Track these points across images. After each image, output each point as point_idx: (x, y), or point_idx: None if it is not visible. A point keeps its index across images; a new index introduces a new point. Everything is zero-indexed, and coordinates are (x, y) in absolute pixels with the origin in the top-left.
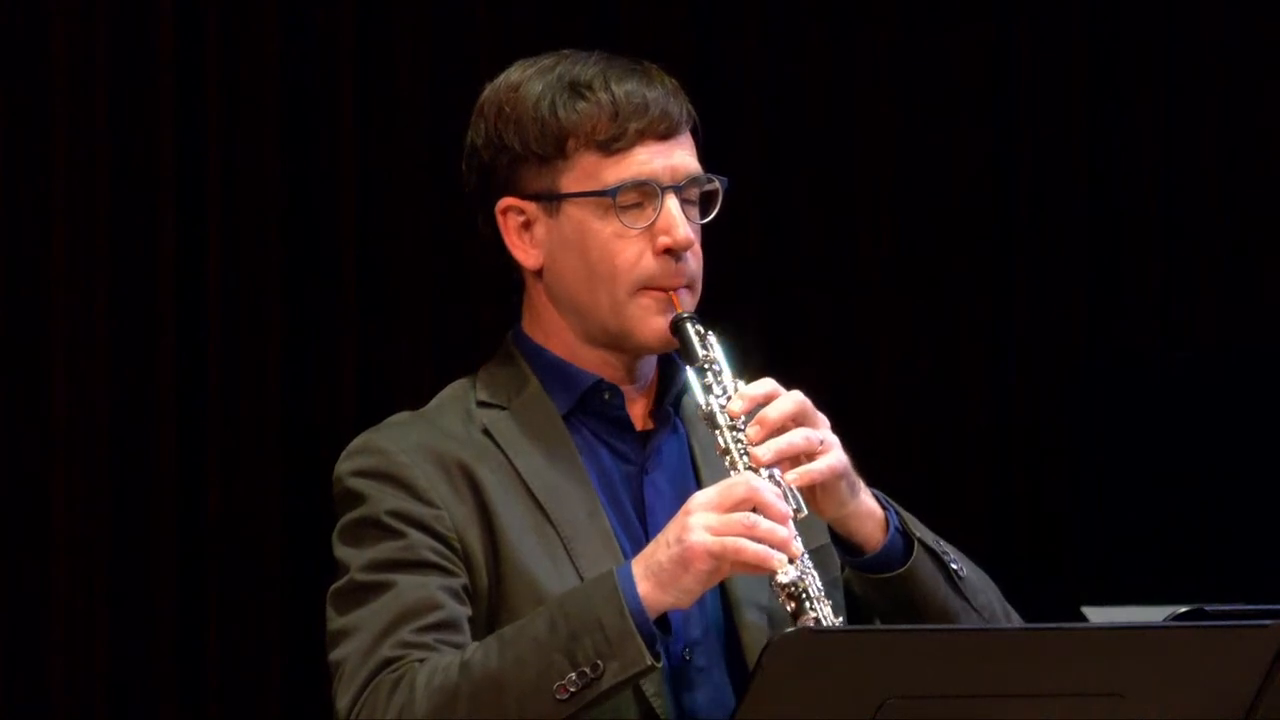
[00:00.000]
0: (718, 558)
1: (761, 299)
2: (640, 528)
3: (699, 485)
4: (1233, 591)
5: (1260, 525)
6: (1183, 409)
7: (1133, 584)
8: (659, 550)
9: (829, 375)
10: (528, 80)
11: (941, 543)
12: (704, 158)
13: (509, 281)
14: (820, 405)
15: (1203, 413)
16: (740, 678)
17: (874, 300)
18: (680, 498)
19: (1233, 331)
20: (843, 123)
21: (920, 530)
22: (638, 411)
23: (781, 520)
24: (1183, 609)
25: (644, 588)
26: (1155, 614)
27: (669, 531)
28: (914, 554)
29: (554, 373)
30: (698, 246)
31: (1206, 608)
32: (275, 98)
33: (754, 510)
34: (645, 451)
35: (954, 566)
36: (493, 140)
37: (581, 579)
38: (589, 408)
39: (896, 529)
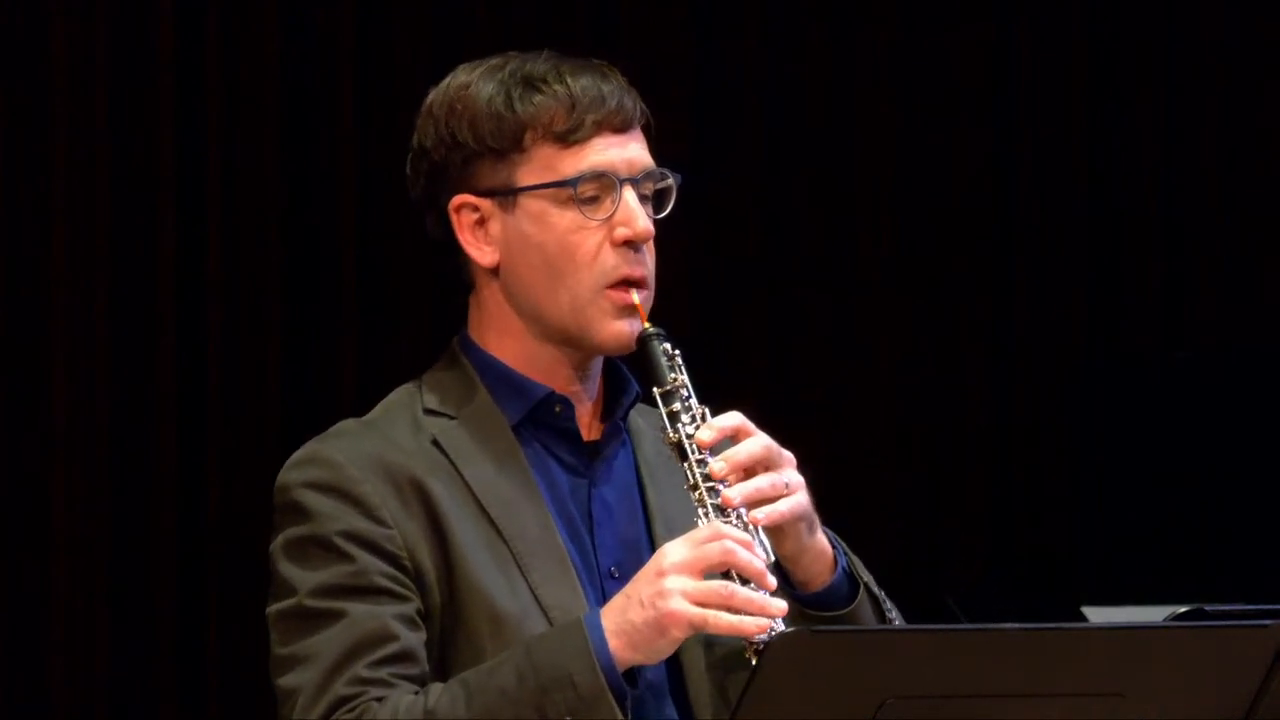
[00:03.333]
0: (697, 627)
1: (761, 299)
2: (589, 541)
3: (644, 501)
4: (1233, 591)
5: (1260, 525)
6: (1183, 409)
7: (1133, 584)
8: (631, 608)
9: (829, 375)
10: (478, 79)
11: (880, 590)
12: (656, 155)
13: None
14: (820, 405)
15: (1203, 413)
16: (681, 702)
17: (874, 300)
18: (627, 513)
19: (1233, 331)
20: (843, 123)
21: (865, 575)
22: (585, 421)
23: (759, 579)
24: (1183, 609)
25: (615, 644)
26: (1155, 614)
27: (642, 589)
28: (859, 597)
29: (504, 383)
30: (653, 237)
31: (1206, 608)
32: (275, 98)
33: (729, 570)
34: (594, 464)
35: (890, 615)
36: (444, 139)
37: (535, 595)
38: (539, 419)
39: (844, 570)
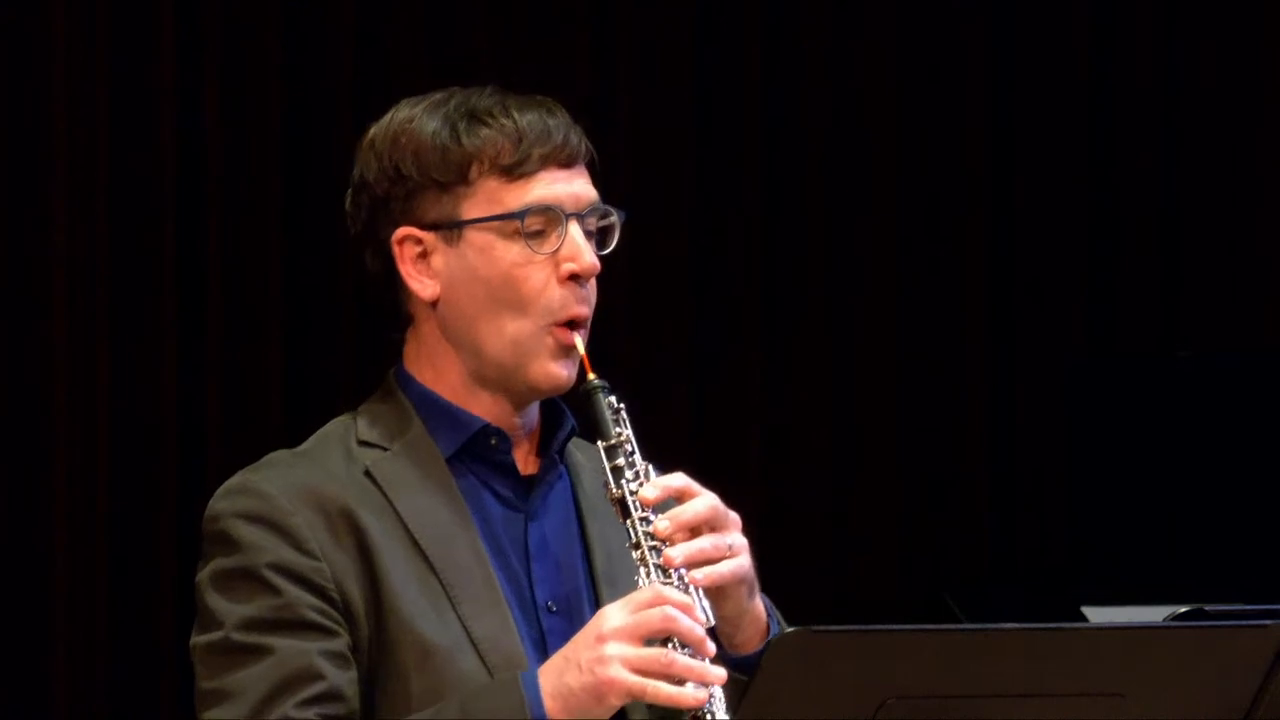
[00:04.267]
0: (636, 696)
1: (761, 298)
2: (525, 575)
3: (584, 535)
4: (1233, 591)
5: (1260, 525)
6: (1183, 409)
7: (1133, 584)
8: (569, 671)
9: (828, 375)
10: (421, 113)
11: None
12: (602, 191)
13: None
14: (820, 406)
15: (1203, 413)
16: None
17: (874, 300)
18: (565, 546)
19: (1233, 331)
20: (841, 122)
21: None
22: (521, 455)
23: (699, 646)
24: (1183, 609)
25: (551, 706)
26: (1155, 614)
27: (581, 653)
28: None
29: (440, 415)
30: (598, 272)
31: (1206, 608)
32: (276, 97)
33: (669, 636)
34: (530, 497)
35: None
36: (387, 171)
37: (465, 628)
38: (474, 452)
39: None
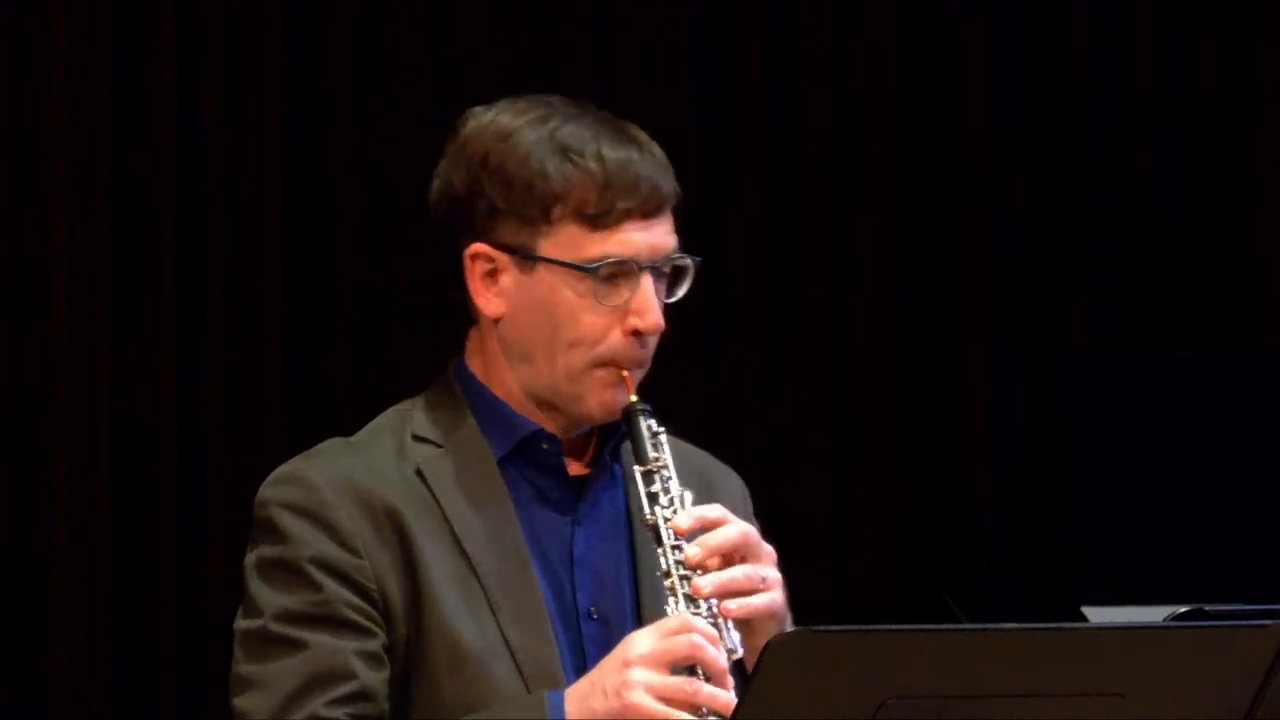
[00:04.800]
0: None
1: (761, 298)
2: (568, 581)
3: (632, 544)
4: (1233, 591)
5: (1260, 525)
6: (1183, 409)
7: (1133, 584)
8: (594, 696)
9: (829, 375)
10: (517, 131)
11: None
12: (681, 232)
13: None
14: (820, 406)
15: (1203, 413)
16: None
17: (874, 300)
18: (611, 553)
19: (1233, 331)
20: (841, 122)
21: None
22: (575, 459)
23: (721, 677)
24: (1183, 609)
25: None
26: (1155, 614)
27: (606, 678)
28: None
29: (494, 415)
30: (663, 328)
31: (1206, 608)
32: (276, 97)
33: (694, 664)
34: (580, 502)
35: None
36: (474, 186)
37: (503, 634)
38: (525, 455)
39: None
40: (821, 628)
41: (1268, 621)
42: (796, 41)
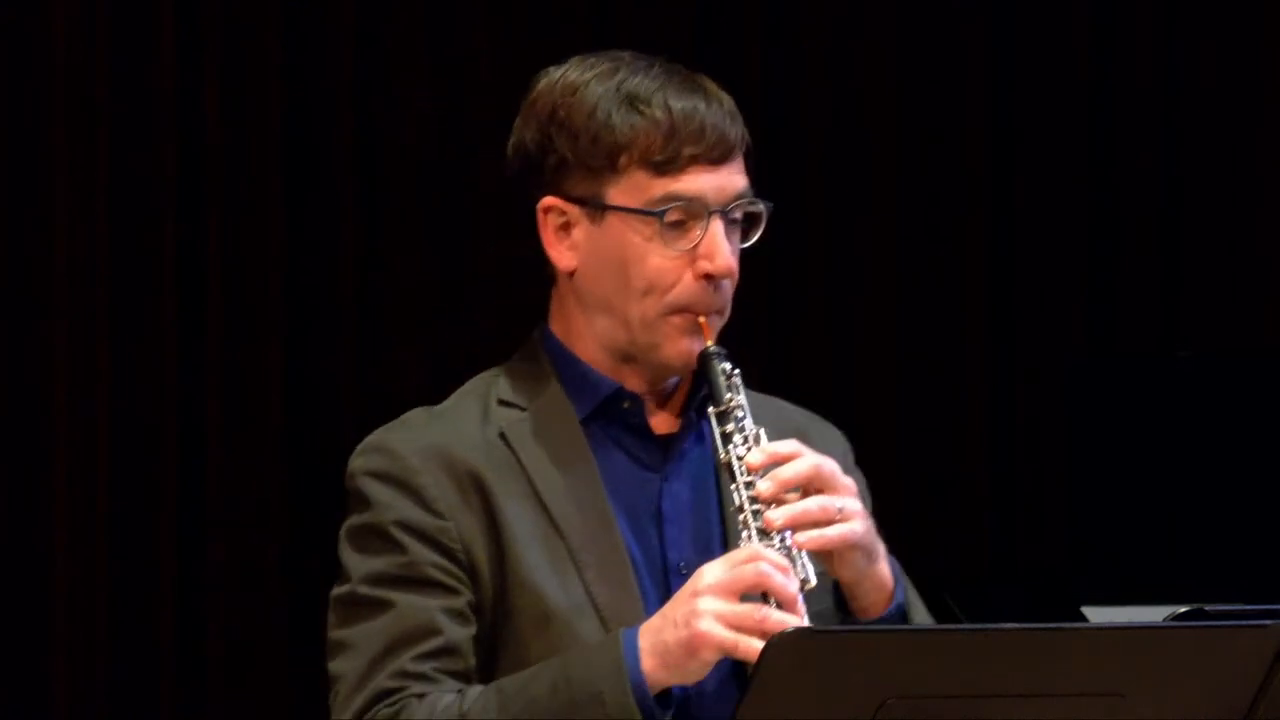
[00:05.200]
0: (727, 651)
1: (760, 298)
2: (656, 538)
3: (720, 499)
4: (1233, 591)
5: (1260, 525)
6: (1183, 409)
7: (1133, 584)
8: (666, 629)
9: (828, 375)
10: (584, 85)
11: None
12: (754, 180)
13: (522, 279)
14: (818, 405)
15: (1203, 413)
16: None
17: (874, 300)
18: (699, 508)
19: (1233, 331)
20: (841, 122)
21: (920, 613)
22: (662, 415)
23: (790, 604)
24: (1183, 609)
25: (648, 664)
26: (1155, 614)
27: (677, 610)
28: None
29: (576, 376)
30: (737, 271)
31: (1206, 608)
32: (276, 97)
33: (764, 593)
34: (666, 458)
35: None
36: (543, 141)
37: (589, 592)
38: (608, 414)
39: (899, 604)
40: (821, 627)
41: (1268, 621)
42: (796, 41)
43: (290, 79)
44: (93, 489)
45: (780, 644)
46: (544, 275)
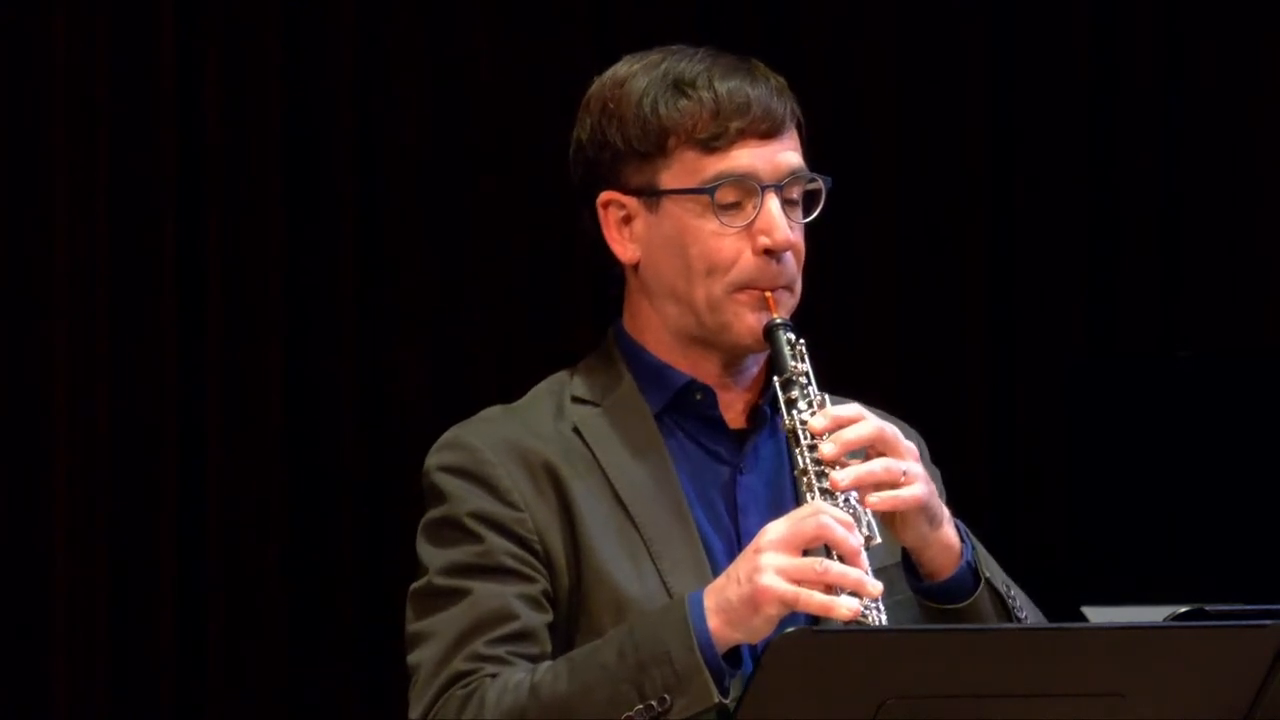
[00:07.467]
0: (789, 604)
1: None
2: (733, 529)
3: (796, 489)
4: (1233, 591)
5: (1260, 525)
6: (1183, 409)
7: (1133, 584)
8: (730, 586)
9: (828, 375)
10: (632, 77)
11: (1012, 587)
12: (809, 156)
13: (522, 279)
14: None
15: (1203, 413)
16: None
17: (874, 300)
18: (775, 500)
19: (1233, 331)
20: (841, 122)
21: (991, 569)
22: (736, 410)
23: (853, 557)
24: (1183, 609)
25: (714, 622)
26: (1155, 614)
27: (740, 567)
28: (978, 592)
29: (647, 371)
30: (801, 246)
31: (1206, 608)
32: (276, 97)
33: (826, 547)
34: (741, 451)
35: (1020, 614)
36: (596, 136)
37: (664, 582)
38: (682, 408)
39: (968, 563)
40: (822, 628)
41: (1268, 621)
42: (796, 41)
43: (290, 79)
44: (93, 489)
45: (780, 644)
46: (613, 275)
